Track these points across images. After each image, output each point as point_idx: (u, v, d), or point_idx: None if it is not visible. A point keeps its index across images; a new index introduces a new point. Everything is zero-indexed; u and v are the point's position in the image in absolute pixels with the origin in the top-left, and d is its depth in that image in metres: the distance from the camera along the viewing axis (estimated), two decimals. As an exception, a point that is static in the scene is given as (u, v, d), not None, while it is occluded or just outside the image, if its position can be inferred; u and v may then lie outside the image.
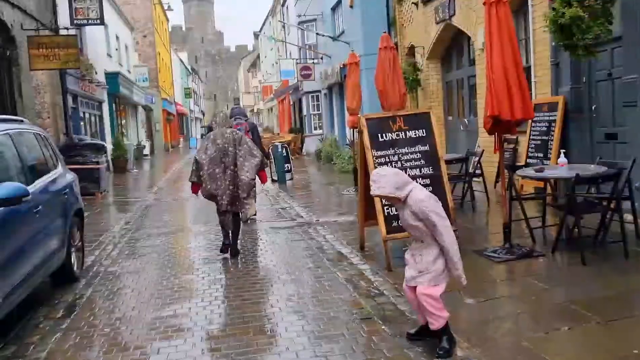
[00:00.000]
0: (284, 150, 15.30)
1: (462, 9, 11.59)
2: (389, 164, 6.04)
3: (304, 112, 24.68)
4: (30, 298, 5.00)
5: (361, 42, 16.14)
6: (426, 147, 6.16)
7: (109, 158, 21.36)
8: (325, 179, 15.39)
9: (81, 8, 17.14)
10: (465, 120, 12.65)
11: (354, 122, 11.61)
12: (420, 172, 6.11)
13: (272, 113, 46.01)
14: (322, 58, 22.19)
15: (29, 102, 13.43)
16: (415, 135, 6.17)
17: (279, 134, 34.88)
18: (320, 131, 23.52)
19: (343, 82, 18.51)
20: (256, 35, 66.78)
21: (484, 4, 5.55)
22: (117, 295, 5.66)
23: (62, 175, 6.38)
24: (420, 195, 3.61)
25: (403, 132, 6.16)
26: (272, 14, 38.30)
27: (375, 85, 9.23)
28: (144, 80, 31.49)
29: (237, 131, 7.18)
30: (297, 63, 22.10)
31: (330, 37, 17.88)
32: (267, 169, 8.35)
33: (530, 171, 6.41)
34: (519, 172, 7.03)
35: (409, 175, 6.07)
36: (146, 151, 30.76)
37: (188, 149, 45.10)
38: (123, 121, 28.06)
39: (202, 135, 77.14)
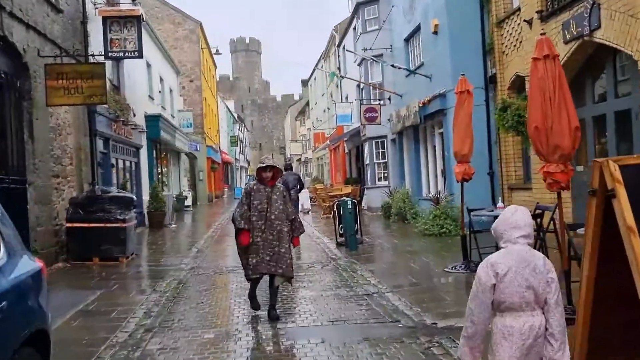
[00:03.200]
0: (353, 207, 12.13)
1: (612, 19, 8.41)
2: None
3: (366, 160, 21.61)
4: None
5: (449, 75, 13.09)
6: None
7: (145, 211, 18.73)
8: (408, 245, 12.08)
9: (117, 39, 14.76)
10: (612, 170, 9.24)
11: (466, 172, 8.41)
12: None
13: (322, 162, 43.29)
14: (389, 99, 19.26)
15: (42, 145, 10.82)
16: None
17: (332, 185, 31.90)
18: (386, 182, 20.33)
19: (420, 125, 15.45)
20: (304, 83, 65.28)
21: None
22: None
23: (5, 269, 3.33)
24: None
25: (699, 195, 2.89)
26: (324, 57, 36.07)
27: (528, 118, 6.04)
28: (188, 126, 29.30)
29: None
30: (360, 104, 19.21)
31: (407, 70, 14.92)
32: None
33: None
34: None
35: None
36: (188, 202, 28.19)
37: (233, 199, 42.61)
38: (164, 169, 25.64)
39: (247, 184, 75.08)
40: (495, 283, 2.94)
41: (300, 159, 59.07)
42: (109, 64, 16.07)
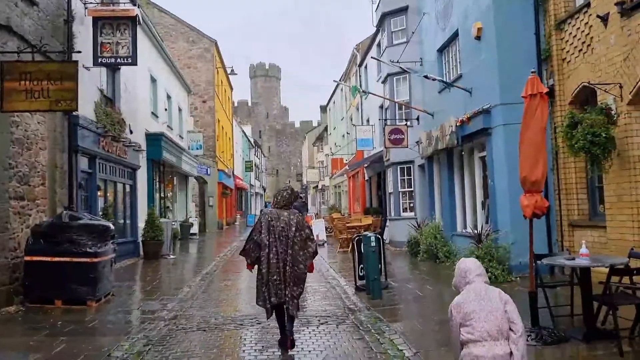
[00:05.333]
0: (377, 244, 9.86)
1: None
2: None
3: (389, 188, 19.31)
4: None
5: (495, 88, 10.92)
6: None
7: (139, 240, 16.66)
8: (445, 294, 9.72)
9: (108, 43, 12.96)
10: None
11: (538, 206, 6.14)
12: None
13: (339, 190, 41.07)
14: (417, 119, 17.08)
15: (-2, 161, 8.82)
16: None
17: (349, 215, 29.62)
18: (412, 214, 17.98)
19: (456, 147, 13.21)
20: (323, 109, 63.48)
21: None
22: None
23: None
24: None
25: None
26: (344, 77, 34.15)
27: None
28: (197, 148, 27.40)
29: (296, 212, 6.43)
30: (384, 124, 17.05)
31: (443, 82, 12.72)
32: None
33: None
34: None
35: None
36: (194, 229, 26.09)
37: (245, 227, 40.47)
38: (168, 194, 23.63)
39: (261, 212, 72.98)
40: (461, 322, 3.39)
41: (317, 186, 56.93)
42: (101, 72, 14.24)
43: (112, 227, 9.95)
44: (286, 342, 6.13)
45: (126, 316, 8.63)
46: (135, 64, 13.06)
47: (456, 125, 12.25)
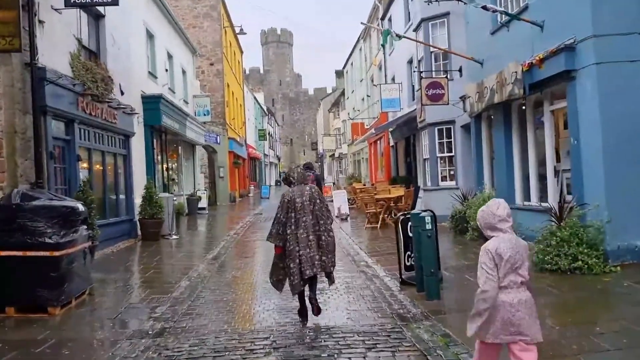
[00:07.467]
0: (433, 226, 7.33)
1: None
2: None
3: (425, 154, 16.73)
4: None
5: (585, 16, 8.21)
6: None
7: (136, 219, 14.38)
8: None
9: (83, -22, 10.43)
10: None
11: None
12: None
13: (359, 157, 38.53)
14: (460, 70, 14.38)
15: None
16: None
17: (372, 184, 27.12)
18: (452, 183, 15.44)
19: (515, 101, 10.55)
20: (339, 74, 60.52)
21: None
22: None
23: None
24: None
25: None
26: (364, 36, 31.24)
27: None
28: (205, 114, 24.90)
29: (315, 187, 6.61)
30: (420, 78, 14.38)
31: (507, 14, 9.94)
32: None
33: None
34: None
35: None
36: (203, 203, 23.78)
37: (259, 199, 38.27)
38: (173, 165, 21.30)
39: (276, 182, 70.85)
40: (497, 265, 3.43)
41: (333, 154, 54.40)
42: (80, 16, 11.70)
43: (81, 208, 7.57)
44: (307, 310, 6.22)
45: (95, 332, 6.30)
46: (117, 4, 10.53)
47: (522, 71, 9.58)
